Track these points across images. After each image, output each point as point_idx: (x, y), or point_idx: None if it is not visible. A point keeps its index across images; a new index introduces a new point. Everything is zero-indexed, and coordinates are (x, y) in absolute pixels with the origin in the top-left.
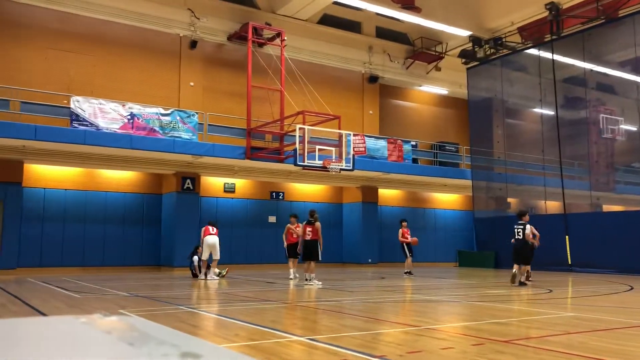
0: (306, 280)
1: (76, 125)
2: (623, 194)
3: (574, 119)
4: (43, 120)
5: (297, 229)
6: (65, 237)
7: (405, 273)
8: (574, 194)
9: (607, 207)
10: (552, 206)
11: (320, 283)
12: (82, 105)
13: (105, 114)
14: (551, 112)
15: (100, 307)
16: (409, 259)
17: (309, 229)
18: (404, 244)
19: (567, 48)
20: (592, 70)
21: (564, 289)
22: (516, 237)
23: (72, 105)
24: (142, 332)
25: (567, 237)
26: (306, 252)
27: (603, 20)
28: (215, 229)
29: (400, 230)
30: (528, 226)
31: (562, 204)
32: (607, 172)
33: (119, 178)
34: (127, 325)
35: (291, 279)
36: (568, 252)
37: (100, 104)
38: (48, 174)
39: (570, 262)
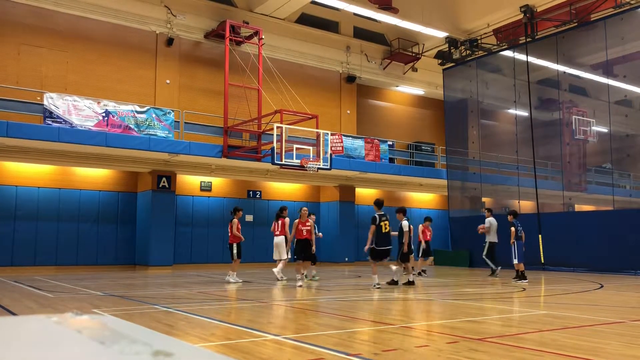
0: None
1: (50, 122)
2: (594, 194)
3: (547, 120)
4: (15, 116)
5: (307, 224)
6: (38, 236)
7: (420, 273)
8: (547, 194)
9: (579, 207)
10: (526, 206)
11: (284, 278)
12: (56, 102)
13: (80, 111)
14: (525, 113)
15: (73, 306)
16: (421, 259)
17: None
18: (423, 242)
19: (541, 50)
20: (565, 72)
21: (537, 287)
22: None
23: (45, 102)
24: (115, 331)
25: (540, 236)
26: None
27: (576, 24)
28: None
29: (421, 226)
30: None
31: (536, 204)
32: (579, 173)
33: (93, 176)
34: (99, 324)
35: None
36: (541, 251)
37: (75, 100)
38: (21, 172)
39: (543, 261)
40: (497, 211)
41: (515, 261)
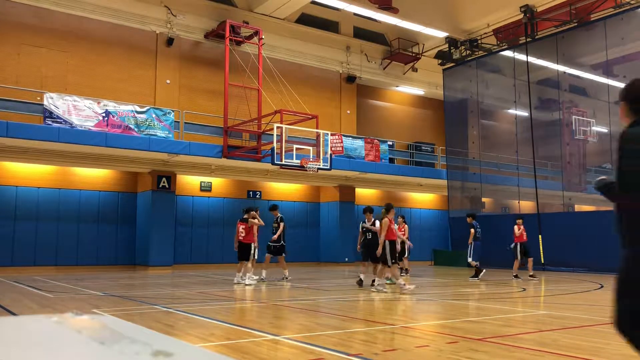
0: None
1: (50, 122)
2: (594, 194)
3: (547, 120)
4: (15, 117)
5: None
6: (38, 236)
7: (515, 276)
8: (547, 194)
9: (579, 207)
10: (526, 206)
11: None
12: (56, 102)
13: (80, 111)
14: (525, 114)
15: (73, 306)
16: (517, 262)
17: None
18: (518, 244)
19: (541, 50)
20: (565, 72)
21: (537, 287)
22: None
23: (45, 102)
24: (114, 331)
25: (540, 236)
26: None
27: (576, 24)
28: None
29: (516, 226)
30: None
31: (536, 204)
32: (579, 173)
33: (93, 176)
34: (99, 324)
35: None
36: (541, 251)
37: (75, 101)
38: (21, 172)
39: (543, 261)
40: (497, 212)
41: (470, 259)
